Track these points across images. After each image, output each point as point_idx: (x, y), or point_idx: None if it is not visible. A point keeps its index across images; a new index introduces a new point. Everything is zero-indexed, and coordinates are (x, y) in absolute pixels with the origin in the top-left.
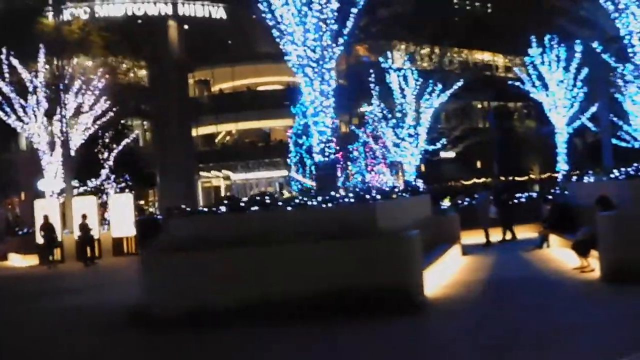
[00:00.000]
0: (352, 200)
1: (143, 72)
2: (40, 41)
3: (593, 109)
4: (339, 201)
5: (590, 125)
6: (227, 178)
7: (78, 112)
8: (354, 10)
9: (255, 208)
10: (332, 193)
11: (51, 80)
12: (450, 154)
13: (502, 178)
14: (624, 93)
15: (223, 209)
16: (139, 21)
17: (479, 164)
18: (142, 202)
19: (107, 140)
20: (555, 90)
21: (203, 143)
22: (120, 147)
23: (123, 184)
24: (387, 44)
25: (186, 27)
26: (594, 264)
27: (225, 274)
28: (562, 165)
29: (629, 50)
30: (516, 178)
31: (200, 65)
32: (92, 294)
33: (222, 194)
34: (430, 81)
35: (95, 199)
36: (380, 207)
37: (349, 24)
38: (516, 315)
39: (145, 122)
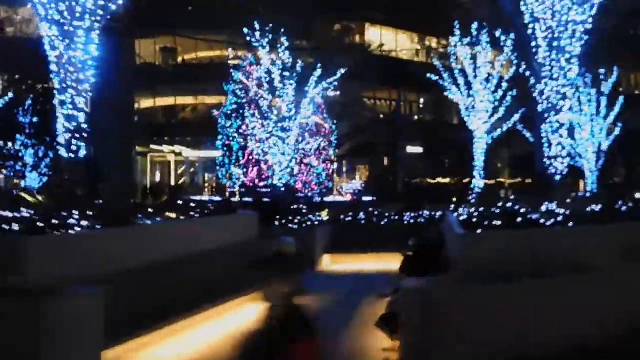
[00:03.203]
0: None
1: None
2: None
3: (516, 116)
4: None
5: (525, 132)
6: (178, 154)
7: None
8: None
9: None
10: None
11: None
12: (417, 149)
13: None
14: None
15: None
16: None
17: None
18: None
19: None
20: (479, 89)
21: (163, 114)
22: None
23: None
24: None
25: None
26: None
27: None
28: (477, 181)
29: (532, 44)
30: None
31: (164, 32)
32: None
33: (173, 170)
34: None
35: None
36: (41, 244)
37: None
38: None
39: None
